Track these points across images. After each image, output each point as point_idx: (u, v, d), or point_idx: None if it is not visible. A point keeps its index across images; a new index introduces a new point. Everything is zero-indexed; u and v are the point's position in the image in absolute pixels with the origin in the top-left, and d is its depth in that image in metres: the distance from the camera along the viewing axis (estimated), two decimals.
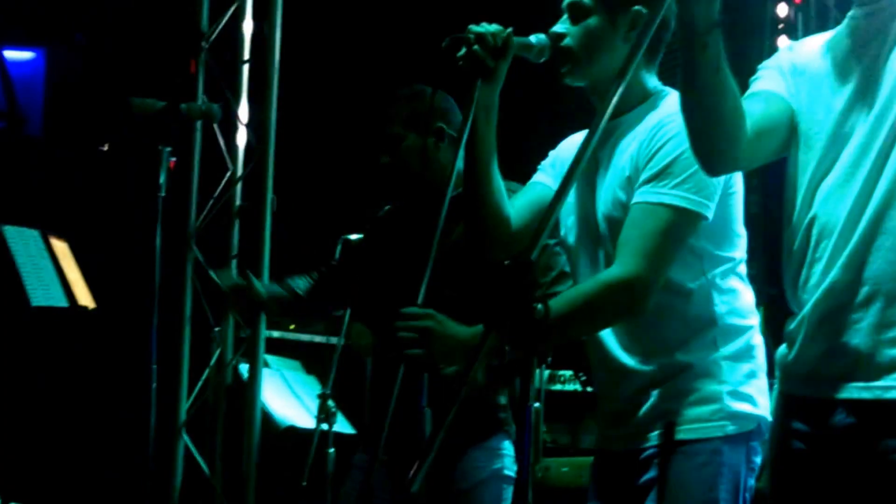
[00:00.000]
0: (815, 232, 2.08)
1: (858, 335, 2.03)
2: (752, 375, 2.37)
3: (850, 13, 2.14)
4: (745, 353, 2.38)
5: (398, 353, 2.27)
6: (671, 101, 2.38)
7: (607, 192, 2.39)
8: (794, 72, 2.18)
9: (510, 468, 3.20)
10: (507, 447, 3.25)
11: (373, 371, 3.66)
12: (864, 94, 2.06)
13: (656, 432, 2.34)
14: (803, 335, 2.09)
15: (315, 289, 3.71)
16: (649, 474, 2.33)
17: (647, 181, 2.30)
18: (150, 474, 3.46)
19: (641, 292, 2.26)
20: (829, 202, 2.06)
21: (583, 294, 2.31)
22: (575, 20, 2.41)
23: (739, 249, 2.42)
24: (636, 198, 2.31)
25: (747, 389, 2.36)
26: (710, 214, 2.30)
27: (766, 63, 2.26)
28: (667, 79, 2.45)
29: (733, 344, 2.37)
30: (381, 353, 3.54)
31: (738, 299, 2.40)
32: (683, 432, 2.32)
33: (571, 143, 2.61)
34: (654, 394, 2.35)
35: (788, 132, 2.16)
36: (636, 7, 2.39)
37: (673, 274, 2.33)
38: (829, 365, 2.06)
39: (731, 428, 2.32)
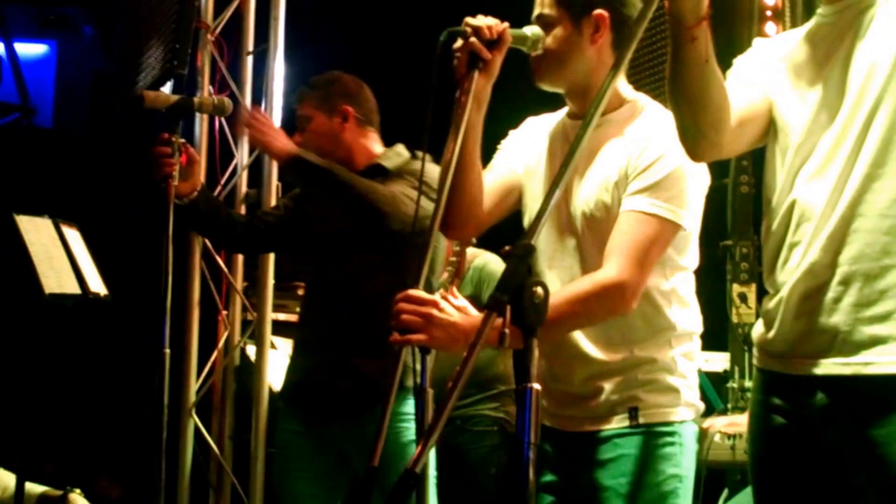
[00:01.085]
0: (794, 215, 2.12)
1: (837, 314, 2.06)
2: (695, 372, 2.57)
3: (819, 10, 2.20)
4: (692, 354, 2.56)
5: (399, 336, 2.27)
6: (653, 113, 2.51)
7: (588, 190, 2.50)
8: (771, 64, 2.23)
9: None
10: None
11: (301, 321, 3.77)
12: (838, 86, 2.10)
13: (619, 415, 2.49)
14: (782, 314, 2.14)
15: (249, 226, 3.78)
16: (610, 454, 2.49)
17: (641, 191, 2.42)
18: (161, 455, 3.51)
19: (631, 294, 2.38)
20: (808, 187, 2.11)
21: (579, 293, 2.39)
22: (544, 30, 2.52)
23: (694, 260, 2.56)
24: (630, 205, 2.42)
25: (695, 383, 2.56)
26: (688, 226, 2.45)
27: (744, 56, 2.31)
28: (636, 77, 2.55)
29: (685, 346, 2.54)
30: (307, 312, 3.69)
31: (691, 309, 2.56)
32: (648, 416, 2.48)
33: (536, 125, 2.71)
34: (614, 382, 2.50)
35: (767, 121, 2.22)
36: (597, 10, 2.50)
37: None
38: (808, 342, 2.10)
39: (687, 414, 2.51)
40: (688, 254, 2.54)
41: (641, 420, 2.48)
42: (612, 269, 2.39)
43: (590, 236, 2.50)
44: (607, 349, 2.50)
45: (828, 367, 2.07)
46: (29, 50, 6.16)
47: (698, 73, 2.04)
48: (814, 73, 2.15)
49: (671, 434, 2.49)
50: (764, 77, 2.23)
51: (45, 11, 6.21)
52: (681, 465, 2.49)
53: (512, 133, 2.75)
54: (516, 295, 1.63)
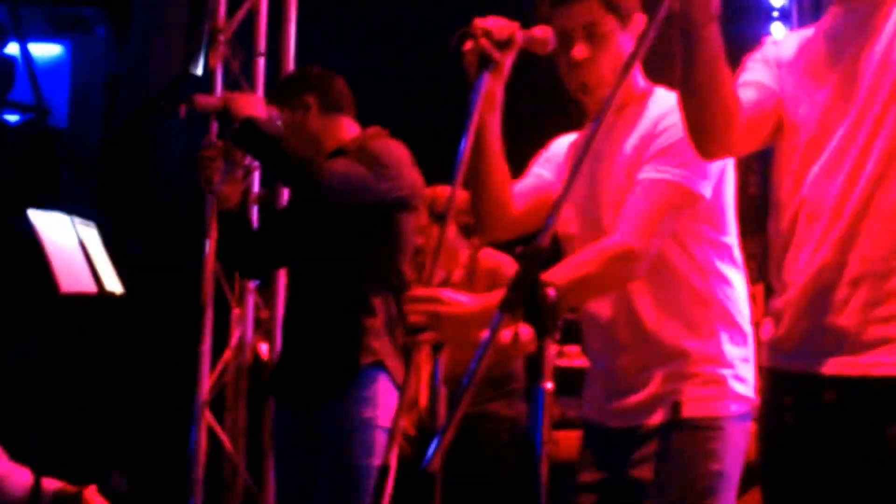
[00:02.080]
0: (803, 215, 2.12)
1: (846, 314, 2.05)
2: (746, 360, 2.50)
3: (830, 8, 2.20)
4: (743, 340, 2.50)
5: (411, 338, 2.26)
6: (665, 96, 2.50)
7: (614, 180, 2.49)
8: (780, 64, 2.24)
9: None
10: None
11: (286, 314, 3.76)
12: (848, 85, 2.09)
13: (662, 410, 2.44)
14: (791, 313, 2.13)
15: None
16: (652, 448, 2.44)
17: (649, 160, 2.40)
18: (175, 451, 3.53)
19: (638, 258, 2.33)
20: (817, 187, 2.10)
21: (582, 263, 2.35)
22: (593, 41, 2.49)
23: (733, 236, 2.53)
24: (641, 174, 2.40)
25: (745, 373, 2.49)
26: (707, 194, 2.39)
27: (753, 55, 2.31)
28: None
29: (734, 331, 2.48)
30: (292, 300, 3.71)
31: (737, 289, 2.51)
32: (691, 410, 2.43)
33: (563, 143, 2.73)
34: (658, 373, 2.45)
35: (777, 120, 2.21)
36: (637, 13, 2.51)
37: (681, 260, 2.45)
38: (816, 341, 2.09)
39: (734, 408, 2.45)
40: (726, 228, 2.50)
41: (685, 415, 2.43)
42: (617, 234, 2.35)
43: (604, 230, 2.48)
44: (651, 338, 2.46)
45: (836, 366, 2.06)
46: (43, 51, 6.18)
47: (708, 73, 2.05)
48: (824, 71, 2.15)
49: (715, 429, 2.42)
50: (774, 76, 2.23)
51: (60, 13, 6.24)
52: (724, 462, 2.42)
53: (542, 153, 2.75)
54: (529, 296, 1.64)
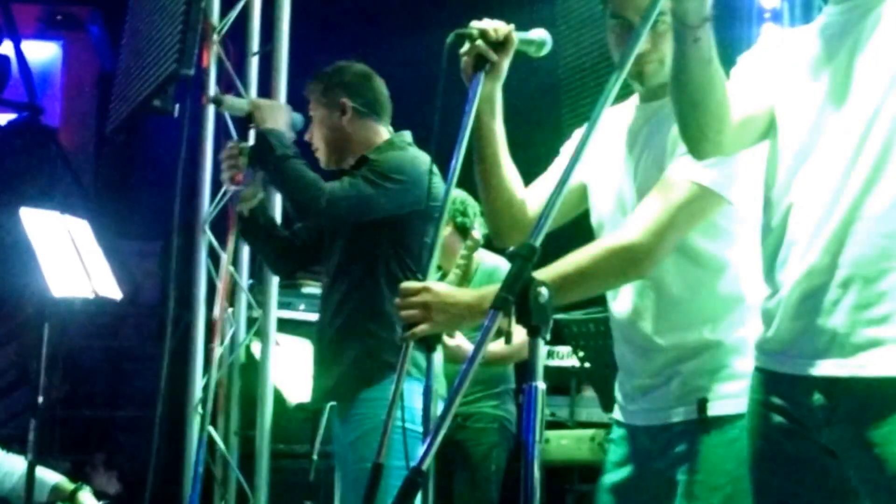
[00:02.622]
0: (793, 216, 2.12)
1: (836, 315, 2.04)
2: None
3: (826, 8, 2.19)
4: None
5: (405, 333, 2.27)
6: None
7: (646, 173, 2.45)
8: (773, 63, 2.24)
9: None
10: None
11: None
12: (841, 86, 2.09)
13: (687, 407, 2.40)
14: (781, 314, 2.13)
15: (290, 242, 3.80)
16: (678, 448, 2.40)
17: (679, 157, 2.35)
18: (166, 450, 3.53)
19: (645, 257, 2.29)
20: (807, 188, 2.10)
21: (579, 256, 2.32)
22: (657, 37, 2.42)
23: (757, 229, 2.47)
24: (670, 169, 2.36)
25: None
26: (733, 198, 2.34)
27: (748, 54, 2.31)
28: None
29: (758, 321, 2.41)
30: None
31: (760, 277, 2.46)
32: (716, 408, 2.39)
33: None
34: (683, 370, 2.41)
35: (769, 120, 2.21)
36: None
37: (707, 248, 2.41)
38: (806, 343, 2.09)
39: None
40: (749, 224, 2.41)
41: (710, 412, 2.38)
42: (626, 230, 2.32)
43: None
44: (675, 334, 2.42)
45: (825, 368, 2.07)
46: (37, 49, 6.16)
47: (701, 73, 2.05)
48: (817, 72, 2.15)
49: (742, 428, 2.29)
50: (767, 76, 2.23)
51: (53, 11, 6.23)
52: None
53: (567, 144, 2.70)
54: (521, 295, 1.64)
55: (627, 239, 2.31)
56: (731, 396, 2.37)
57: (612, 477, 2.54)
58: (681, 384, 2.41)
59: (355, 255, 3.50)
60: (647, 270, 2.33)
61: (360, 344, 3.45)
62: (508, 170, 2.53)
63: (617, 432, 2.57)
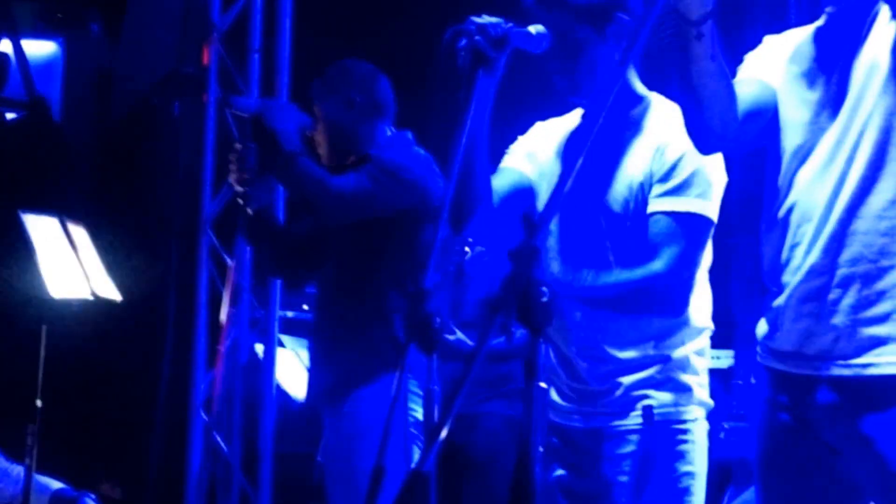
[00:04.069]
0: (794, 217, 2.14)
1: (837, 315, 2.08)
2: (706, 370, 2.59)
3: (826, 9, 2.21)
4: (704, 351, 2.58)
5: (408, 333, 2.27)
6: (665, 109, 2.51)
7: (610, 187, 2.52)
8: (777, 62, 2.24)
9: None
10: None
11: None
12: (839, 86, 2.11)
13: (633, 412, 2.50)
14: (785, 315, 2.16)
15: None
16: (621, 449, 2.50)
17: (673, 192, 2.46)
18: (168, 452, 3.53)
19: (680, 294, 2.49)
20: (807, 188, 2.12)
21: (632, 279, 2.46)
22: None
23: (709, 255, 2.58)
24: (663, 205, 2.47)
25: (706, 381, 2.58)
26: (714, 219, 2.51)
27: (753, 52, 2.32)
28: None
29: (697, 342, 2.55)
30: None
31: (705, 302, 2.58)
32: (663, 415, 2.50)
33: (545, 131, 2.71)
34: (630, 380, 2.51)
35: (773, 118, 2.22)
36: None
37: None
38: (810, 343, 2.12)
39: (700, 412, 2.53)
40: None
41: (656, 418, 2.50)
42: (662, 264, 2.45)
43: (608, 231, 2.51)
44: (623, 347, 2.52)
45: (830, 368, 2.10)
46: (36, 47, 6.17)
47: (705, 69, 2.05)
48: (817, 72, 2.17)
49: (685, 432, 2.50)
50: (771, 74, 2.24)
51: (53, 9, 6.23)
52: (694, 463, 2.51)
53: (521, 138, 2.75)
54: (522, 295, 1.63)
55: (666, 276, 2.45)
56: (676, 405, 2.51)
57: (557, 473, 2.58)
58: (627, 392, 2.51)
59: (355, 253, 3.51)
60: (684, 308, 2.50)
61: (356, 342, 3.45)
62: (485, 167, 2.55)
63: (553, 432, 2.61)
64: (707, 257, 2.57)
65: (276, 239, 3.75)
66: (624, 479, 2.49)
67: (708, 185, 2.46)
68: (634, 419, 2.50)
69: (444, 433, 1.68)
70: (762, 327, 2.26)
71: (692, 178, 2.45)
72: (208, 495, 4.63)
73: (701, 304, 2.57)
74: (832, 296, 2.08)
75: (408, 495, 1.65)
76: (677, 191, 2.46)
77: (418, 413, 3.47)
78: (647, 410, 2.49)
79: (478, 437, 4.72)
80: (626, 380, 2.52)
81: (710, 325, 2.59)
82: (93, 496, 3.96)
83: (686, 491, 2.49)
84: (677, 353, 2.52)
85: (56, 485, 3.99)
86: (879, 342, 2.05)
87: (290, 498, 4.72)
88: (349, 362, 3.44)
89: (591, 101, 2.58)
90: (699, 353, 2.56)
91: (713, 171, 2.48)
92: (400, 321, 3.39)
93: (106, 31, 6.18)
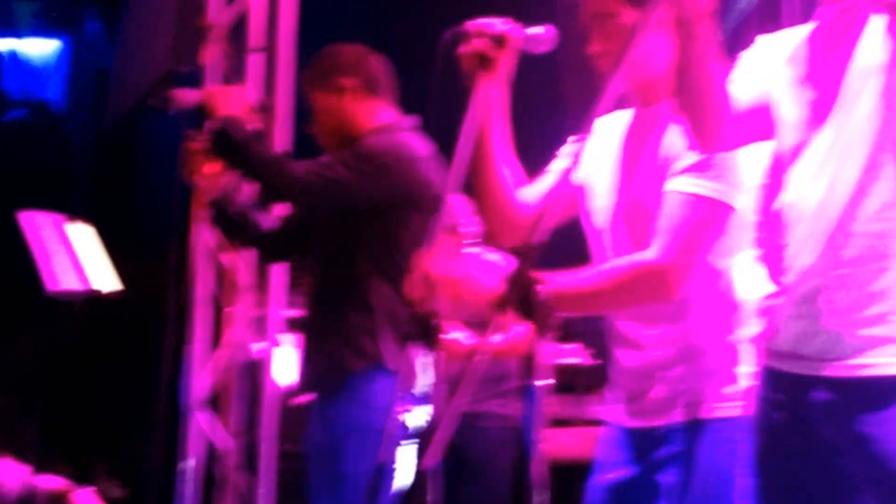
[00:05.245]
0: (789, 216, 2.14)
1: (833, 316, 2.07)
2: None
3: (822, 8, 2.21)
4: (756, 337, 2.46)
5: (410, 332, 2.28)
6: None
7: (642, 178, 2.45)
8: (773, 62, 2.25)
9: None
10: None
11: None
12: (833, 87, 2.11)
13: (678, 410, 2.42)
14: (783, 315, 2.15)
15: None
16: (668, 449, 2.42)
17: (686, 171, 2.36)
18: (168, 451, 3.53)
19: (674, 280, 2.33)
20: (802, 189, 2.12)
21: (615, 272, 2.36)
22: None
23: (752, 234, 2.48)
24: (674, 185, 2.37)
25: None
26: (738, 206, 2.37)
27: (749, 52, 2.32)
28: None
29: (749, 327, 2.43)
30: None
31: (751, 289, 2.46)
32: (707, 411, 2.41)
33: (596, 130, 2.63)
34: (675, 373, 2.43)
35: (769, 118, 2.22)
36: None
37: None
38: (806, 344, 2.12)
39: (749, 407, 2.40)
40: (747, 227, 2.43)
41: (701, 416, 2.40)
42: (655, 251, 2.33)
43: (640, 224, 2.44)
44: (668, 338, 2.44)
45: (826, 369, 2.09)
46: (37, 47, 6.17)
47: (702, 69, 2.07)
48: (811, 73, 2.17)
49: (732, 430, 2.35)
50: (766, 75, 2.25)
51: (53, 8, 6.23)
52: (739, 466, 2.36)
53: (570, 139, 2.65)
54: (524, 293, 1.64)
55: (658, 261, 2.33)
56: (723, 400, 2.40)
57: (605, 477, 2.54)
58: (672, 387, 2.43)
59: (340, 246, 3.42)
60: (678, 292, 2.35)
61: (342, 334, 3.36)
62: (504, 171, 2.51)
63: (607, 432, 2.58)
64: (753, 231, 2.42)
65: (245, 227, 3.67)
66: (667, 482, 2.39)
67: (731, 170, 2.34)
68: (676, 417, 2.41)
69: (447, 431, 1.69)
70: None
71: (712, 160, 2.34)
72: (208, 495, 4.64)
73: (746, 288, 2.44)
74: (827, 297, 2.08)
75: (410, 492, 1.66)
76: (693, 169, 2.35)
77: (411, 413, 3.47)
78: (692, 407, 2.39)
79: (474, 437, 4.73)
80: (668, 373, 2.42)
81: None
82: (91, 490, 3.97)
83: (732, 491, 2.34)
84: (723, 341, 2.42)
85: (51, 484, 3.99)
86: (875, 343, 2.04)
87: (291, 497, 4.72)
88: (334, 354, 3.37)
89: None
90: (749, 340, 2.40)
91: (744, 160, 2.37)
92: (385, 314, 3.35)
93: (106, 31, 6.19)
